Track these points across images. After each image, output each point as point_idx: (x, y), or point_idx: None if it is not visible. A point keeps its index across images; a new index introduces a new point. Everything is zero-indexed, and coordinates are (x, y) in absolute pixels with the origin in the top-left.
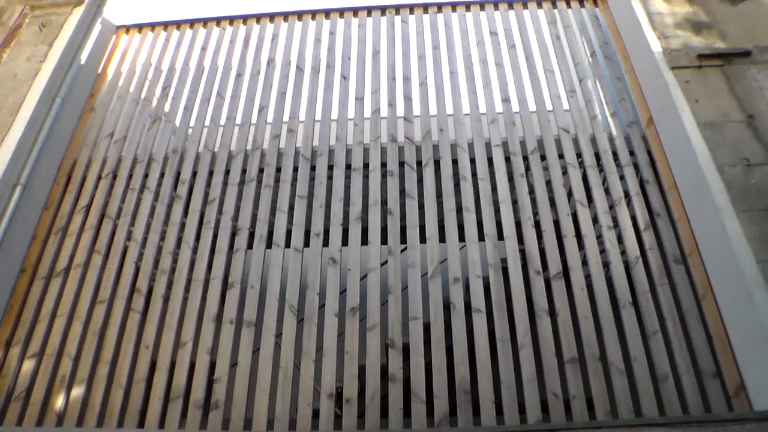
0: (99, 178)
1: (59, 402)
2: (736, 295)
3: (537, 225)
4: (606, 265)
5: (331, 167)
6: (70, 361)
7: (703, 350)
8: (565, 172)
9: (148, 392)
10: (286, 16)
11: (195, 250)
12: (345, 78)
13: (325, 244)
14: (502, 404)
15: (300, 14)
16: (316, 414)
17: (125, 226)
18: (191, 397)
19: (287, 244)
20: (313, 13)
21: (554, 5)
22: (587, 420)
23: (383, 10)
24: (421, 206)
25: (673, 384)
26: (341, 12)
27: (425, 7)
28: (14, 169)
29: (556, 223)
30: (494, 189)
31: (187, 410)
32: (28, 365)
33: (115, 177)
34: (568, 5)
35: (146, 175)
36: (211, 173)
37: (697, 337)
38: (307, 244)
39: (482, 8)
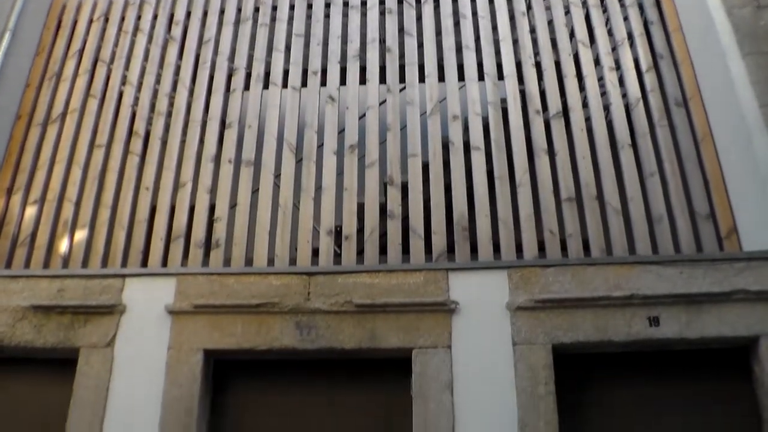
0: (90, 21)
1: (63, 246)
2: (735, 139)
3: (538, 65)
4: (606, 107)
5: (328, 5)
6: (71, 206)
7: (698, 193)
8: (567, 12)
9: (150, 233)
10: None
11: (191, 92)
12: None
13: (323, 83)
14: (499, 241)
15: None
16: (315, 252)
17: (120, 69)
18: (192, 237)
19: (284, 84)
20: None
21: None
22: (582, 257)
23: None
24: (420, 44)
25: (667, 225)
26: None
27: None
28: (0, 14)
29: (557, 64)
30: (495, 28)
31: (188, 250)
32: (31, 211)
33: (107, 20)
34: None
35: (139, 17)
36: (205, 13)
37: (693, 179)
38: (304, 83)
39: None
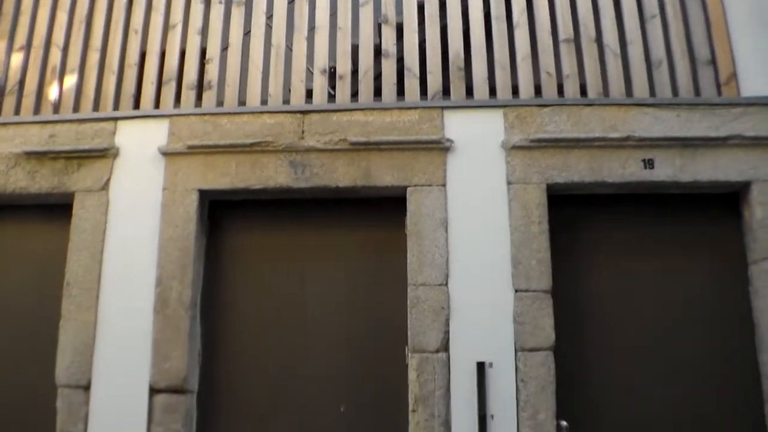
0: None
1: (53, 92)
2: None
3: None
4: None
5: None
6: (59, 51)
7: (700, 37)
8: None
9: (141, 78)
10: None
11: None
12: None
13: None
14: (495, 84)
15: None
16: (309, 94)
17: None
18: (184, 79)
19: None
20: None
21: None
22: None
23: None
24: None
25: (666, 69)
26: None
27: None
28: None
29: None
30: None
31: (180, 93)
32: (17, 58)
33: None
34: None
35: None
36: None
37: (695, 23)
38: None
39: None
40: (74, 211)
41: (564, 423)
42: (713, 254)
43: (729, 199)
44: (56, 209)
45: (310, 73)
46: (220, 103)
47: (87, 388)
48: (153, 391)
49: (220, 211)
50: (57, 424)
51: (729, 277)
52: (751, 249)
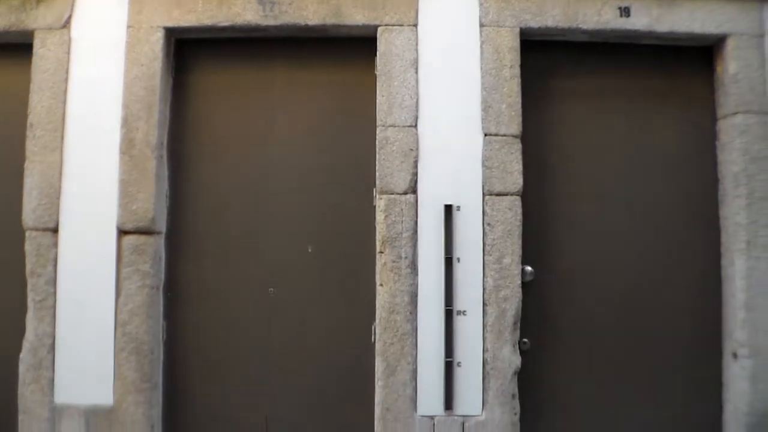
0: None
1: None
2: None
3: None
4: None
5: None
6: None
7: None
8: None
9: None
10: None
11: None
12: None
13: None
14: None
15: None
16: None
17: None
18: None
19: None
20: None
21: None
22: None
23: None
24: None
25: None
26: None
27: None
28: None
29: None
30: None
31: None
32: None
33: None
34: None
35: None
36: None
37: None
38: None
39: None
40: (35, 50)
41: (528, 268)
42: (684, 108)
43: (704, 53)
44: (15, 48)
45: None
46: None
47: (55, 230)
48: (121, 232)
49: (186, 51)
50: (26, 266)
51: (697, 131)
52: (721, 104)
